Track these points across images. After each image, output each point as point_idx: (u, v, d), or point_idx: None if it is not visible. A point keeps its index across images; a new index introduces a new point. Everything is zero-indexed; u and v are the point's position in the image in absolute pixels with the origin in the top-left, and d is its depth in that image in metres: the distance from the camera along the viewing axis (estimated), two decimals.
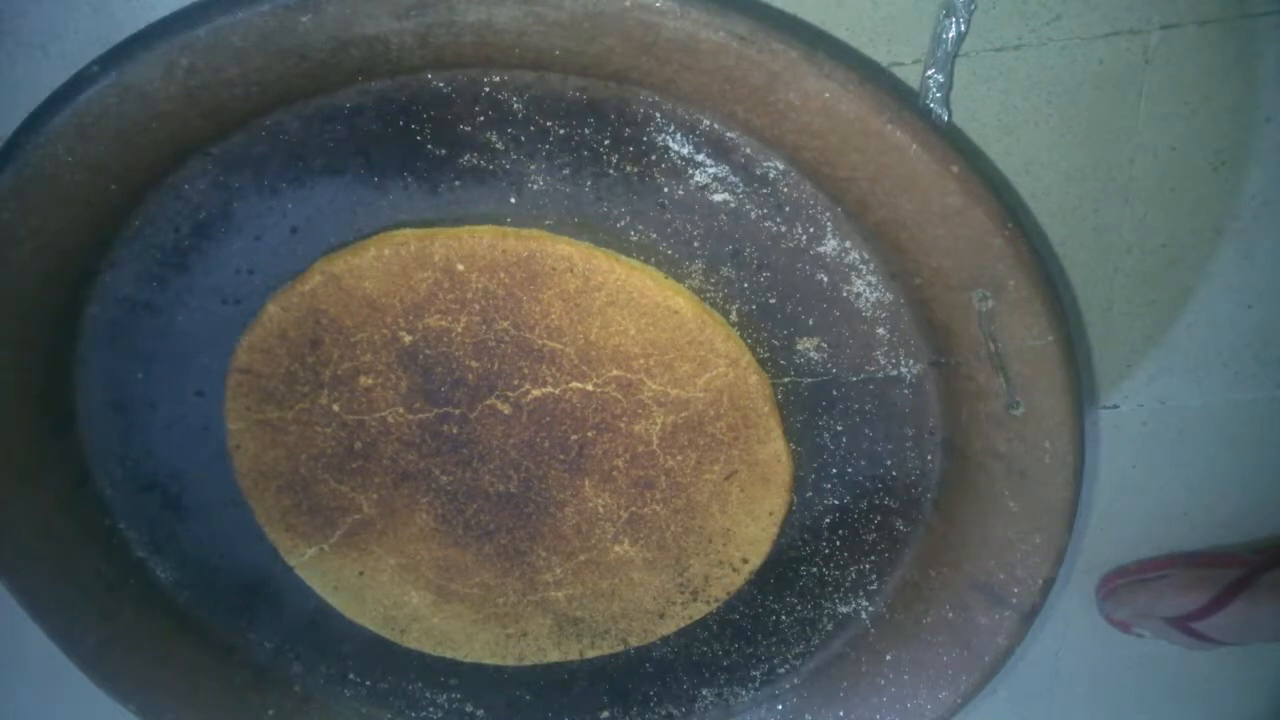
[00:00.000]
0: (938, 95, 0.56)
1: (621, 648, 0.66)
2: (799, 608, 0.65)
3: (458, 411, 0.58)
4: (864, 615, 0.65)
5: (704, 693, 0.69)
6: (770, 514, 0.60)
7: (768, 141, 0.51)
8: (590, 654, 0.66)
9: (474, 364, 0.57)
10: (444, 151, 0.53)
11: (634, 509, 0.60)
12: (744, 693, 0.69)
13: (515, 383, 0.57)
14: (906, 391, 0.58)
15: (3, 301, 0.54)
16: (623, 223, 0.55)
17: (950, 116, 0.56)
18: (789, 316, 0.57)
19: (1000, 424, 0.55)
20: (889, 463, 0.60)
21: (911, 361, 0.57)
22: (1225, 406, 0.70)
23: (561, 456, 0.59)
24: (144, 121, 0.49)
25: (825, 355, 0.58)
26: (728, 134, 0.51)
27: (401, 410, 0.58)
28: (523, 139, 0.53)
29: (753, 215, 0.54)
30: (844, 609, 0.65)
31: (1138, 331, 0.67)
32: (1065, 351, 0.52)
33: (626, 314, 0.55)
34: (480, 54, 0.49)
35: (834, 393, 0.59)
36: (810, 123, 0.48)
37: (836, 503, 0.62)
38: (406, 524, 0.62)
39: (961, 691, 0.62)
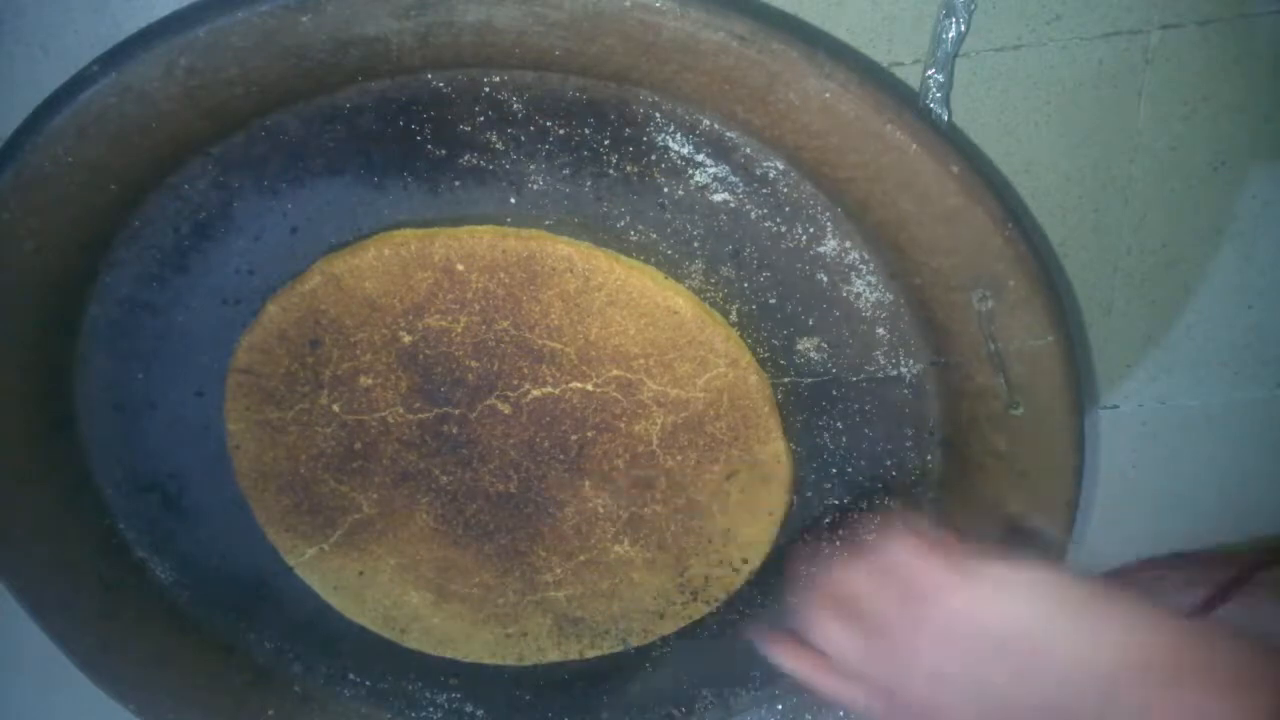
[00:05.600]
0: (938, 95, 0.56)
1: (621, 648, 0.66)
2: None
3: (458, 411, 0.58)
4: None
5: (704, 693, 0.69)
6: (770, 514, 0.60)
7: (768, 141, 0.51)
8: (590, 654, 0.66)
9: (474, 364, 0.57)
10: (444, 151, 0.53)
11: (634, 509, 0.60)
12: (744, 693, 0.68)
13: (515, 383, 0.57)
14: (906, 391, 0.58)
15: (3, 301, 0.54)
16: (623, 223, 0.55)
17: (950, 116, 0.56)
18: (789, 316, 0.57)
19: (1000, 424, 0.55)
20: (889, 463, 0.60)
21: (911, 361, 0.57)
22: (1225, 406, 0.70)
23: (561, 456, 0.59)
24: (144, 121, 0.49)
25: (825, 355, 0.58)
26: (728, 134, 0.51)
27: (401, 410, 0.58)
28: (523, 139, 0.53)
29: (753, 215, 0.54)
30: None
31: (1138, 331, 0.67)
32: (1065, 351, 0.52)
33: (626, 314, 0.55)
34: (480, 54, 0.49)
35: (834, 393, 0.59)
36: (810, 123, 0.48)
37: (836, 503, 0.62)
38: (406, 524, 0.62)
39: None
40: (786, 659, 0.48)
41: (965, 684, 0.41)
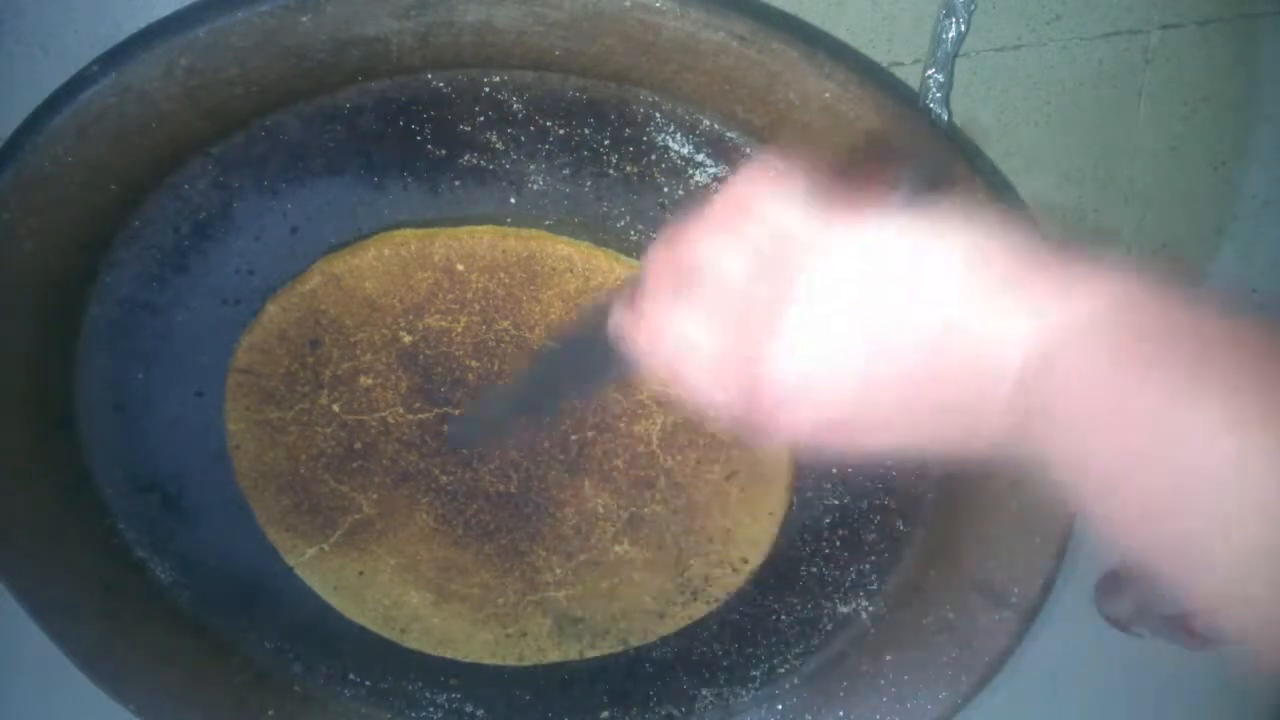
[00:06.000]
0: (938, 95, 0.56)
1: (621, 648, 0.66)
2: (799, 608, 0.65)
3: (458, 412, 0.58)
4: (864, 615, 0.65)
5: (704, 693, 0.69)
6: (770, 514, 0.60)
7: (767, 141, 0.51)
8: (590, 654, 0.66)
9: (474, 364, 0.57)
10: (444, 151, 0.53)
11: (634, 509, 0.60)
12: (744, 693, 0.68)
13: None
14: None
15: (3, 301, 0.54)
16: (623, 223, 0.55)
17: (950, 116, 0.56)
18: None
19: None
20: (889, 463, 0.60)
21: None
22: None
23: (561, 456, 0.59)
24: (144, 121, 0.49)
25: None
26: (728, 134, 0.51)
27: (401, 410, 0.58)
28: (523, 139, 0.53)
29: None
30: (844, 609, 0.65)
31: None
32: None
33: None
34: (480, 54, 0.49)
35: None
36: (810, 123, 0.48)
37: (836, 503, 0.62)
38: (406, 524, 0.62)
39: (961, 691, 0.62)
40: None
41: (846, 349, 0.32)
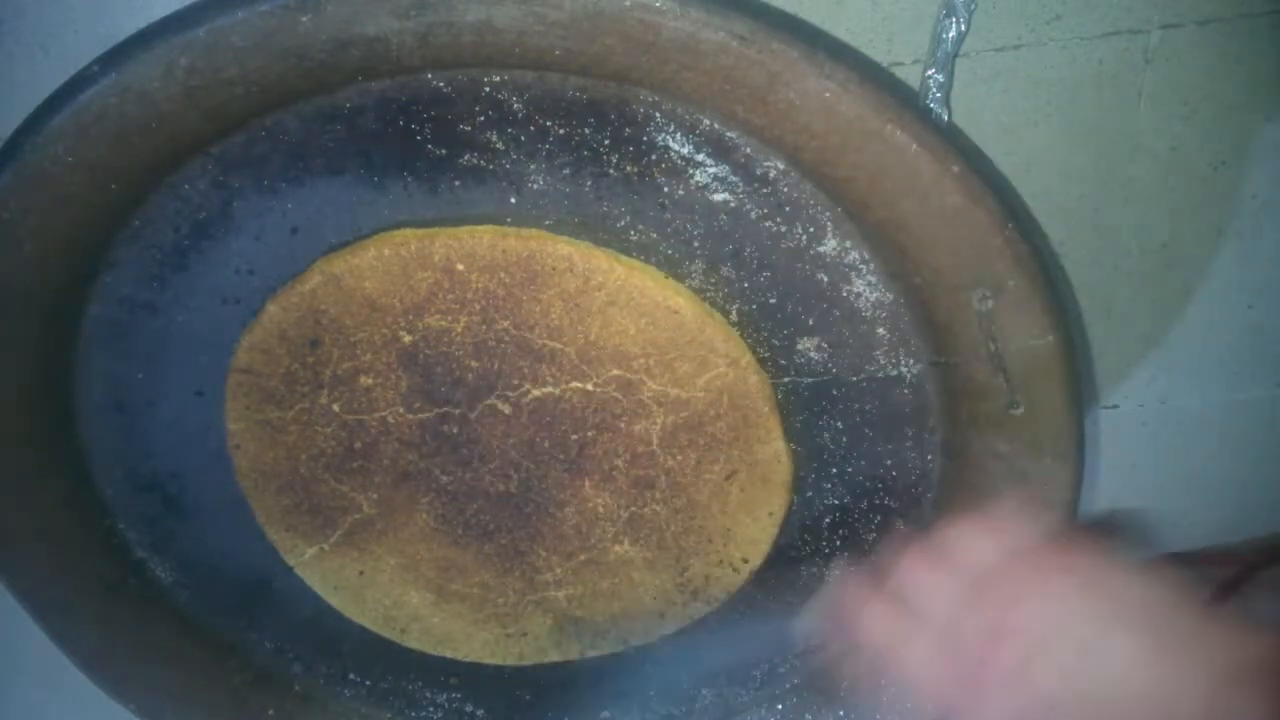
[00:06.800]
0: (938, 95, 0.56)
1: (621, 648, 0.66)
2: (799, 608, 0.65)
3: (458, 411, 0.58)
4: None
5: (704, 693, 0.69)
6: (770, 514, 0.60)
7: (768, 141, 0.51)
8: (590, 654, 0.66)
9: (474, 364, 0.57)
10: (444, 151, 0.53)
11: (634, 509, 0.60)
12: (744, 693, 0.68)
13: (515, 383, 0.57)
14: (906, 391, 0.58)
15: (3, 301, 0.54)
16: (623, 223, 0.55)
17: (950, 116, 0.56)
18: (789, 316, 0.57)
19: (1000, 424, 0.55)
20: (889, 463, 0.60)
21: (911, 361, 0.57)
22: (1225, 406, 0.70)
23: (561, 456, 0.59)
24: (144, 121, 0.49)
25: (825, 355, 0.58)
26: (728, 134, 0.52)
27: (401, 410, 0.58)
28: (523, 139, 0.53)
29: (753, 215, 0.54)
30: None
31: (1138, 331, 0.67)
32: (1065, 351, 0.52)
33: (626, 314, 0.55)
34: (480, 54, 0.49)
35: (834, 393, 0.59)
36: (810, 123, 0.48)
37: (836, 503, 0.62)
38: (406, 524, 0.62)
39: None
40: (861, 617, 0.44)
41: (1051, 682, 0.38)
